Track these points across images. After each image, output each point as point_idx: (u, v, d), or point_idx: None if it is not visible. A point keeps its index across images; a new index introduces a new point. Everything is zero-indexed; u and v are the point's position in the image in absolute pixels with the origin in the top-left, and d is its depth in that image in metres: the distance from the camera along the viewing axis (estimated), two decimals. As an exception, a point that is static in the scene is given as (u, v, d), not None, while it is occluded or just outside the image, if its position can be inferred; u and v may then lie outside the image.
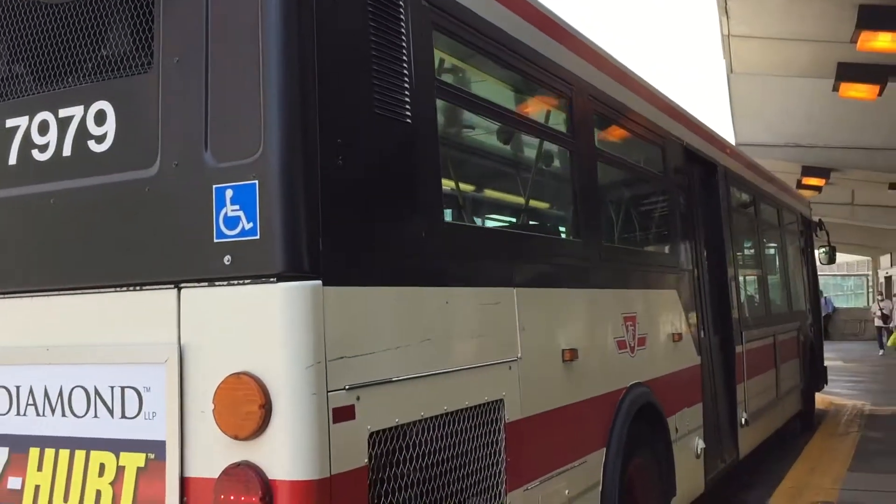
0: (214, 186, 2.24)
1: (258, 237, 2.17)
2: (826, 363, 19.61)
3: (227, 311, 2.23)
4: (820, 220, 11.69)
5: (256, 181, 2.18)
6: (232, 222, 2.21)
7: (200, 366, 2.24)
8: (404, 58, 2.60)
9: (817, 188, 14.36)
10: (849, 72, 7.70)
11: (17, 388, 2.56)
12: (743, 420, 6.16)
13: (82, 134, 2.50)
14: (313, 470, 2.10)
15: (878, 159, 13.16)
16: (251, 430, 2.12)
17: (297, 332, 2.14)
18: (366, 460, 2.27)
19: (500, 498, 2.93)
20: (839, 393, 12.86)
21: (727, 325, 6.12)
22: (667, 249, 5.40)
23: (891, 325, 22.17)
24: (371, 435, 2.30)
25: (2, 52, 2.73)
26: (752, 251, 7.79)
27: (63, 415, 2.46)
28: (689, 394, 5.10)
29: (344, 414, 2.20)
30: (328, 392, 2.16)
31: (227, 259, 2.21)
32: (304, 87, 2.23)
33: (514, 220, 4.57)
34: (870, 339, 24.03)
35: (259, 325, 2.17)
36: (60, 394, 2.47)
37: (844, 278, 41.94)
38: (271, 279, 2.16)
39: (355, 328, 2.30)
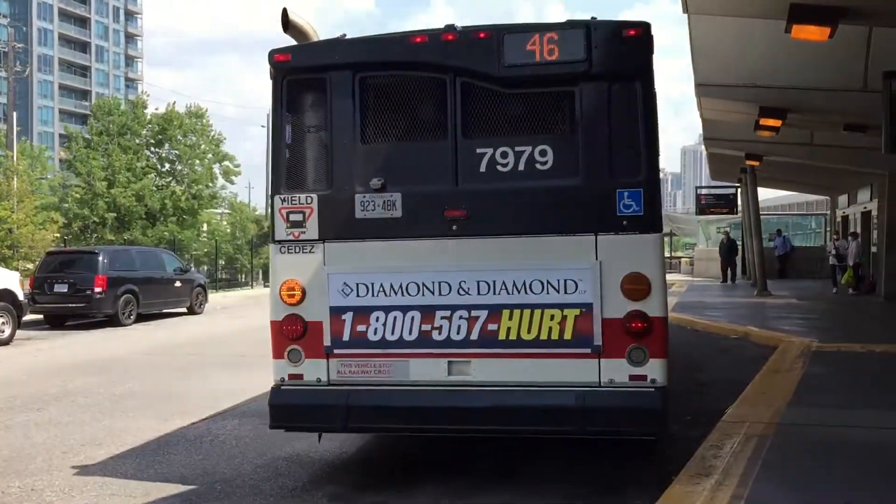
0: (617, 190, 5.25)
1: (642, 214, 5.23)
2: (778, 300, 20.06)
3: (624, 245, 5.27)
4: None
5: (641, 189, 5.23)
6: (626, 207, 5.24)
7: (610, 269, 5.27)
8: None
9: (774, 129, 14.43)
10: (801, 13, 7.70)
11: (493, 281, 5.40)
12: None
13: (531, 160, 5.42)
14: (665, 312, 5.32)
15: (834, 100, 13.24)
16: (642, 296, 5.23)
17: (657, 254, 5.38)
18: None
19: None
20: (790, 330, 13.19)
21: None
22: None
23: (845, 264, 22.63)
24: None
25: (480, 116, 5.50)
26: None
27: (525, 293, 5.36)
28: None
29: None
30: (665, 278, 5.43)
31: (624, 223, 5.25)
32: (655, 145, 5.33)
33: None
34: (826, 278, 24.57)
35: (642, 250, 5.29)
36: (524, 284, 5.37)
37: (804, 218, 42.60)
38: (646, 233, 5.28)
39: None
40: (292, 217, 5.73)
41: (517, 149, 5.40)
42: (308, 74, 5.76)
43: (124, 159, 42.71)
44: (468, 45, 5.48)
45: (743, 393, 7.77)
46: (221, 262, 42.29)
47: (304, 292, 5.67)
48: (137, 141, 45.20)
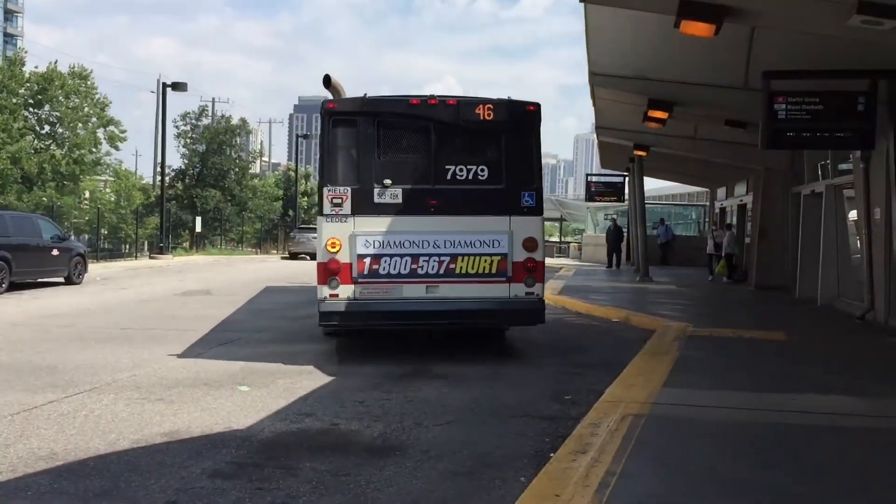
0: (521, 192, 9.53)
1: (534, 205, 9.58)
2: (659, 287, 20.88)
3: (524, 222, 9.55)
4: None
5: (534, 192, 9.58)
6: (526, 201, 9.53)
7: (516, 236, 9.48)
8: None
9: (661, 121, 14.96)
10: (689, 9, 7.98)
11: (454, 240, 9.42)
12: None
13: (476, 173, 9.54)
14: (543, 258, 9.78)
15: (717, 96, 13.83)
16: (532, 249, 9.52)
17: (541, 227, 9.78)
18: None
19: None
20: (668, 315, 13.76)
21: None
22: None
23: (720, 254, 23.77)
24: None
25: (447, 147, 9.64)
26: None
27: (471, 247, 9.43)
28: None
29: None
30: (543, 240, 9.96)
31: (524, 210, 9.51)
32: (540, 168, 9.79)
33: None
34: (704, 266, 25.73)
35: (534, 225, 9.63)
36: (470, 242, 9.42)
37: (686, 208, 44.42)
38: (536, 216, 9.64)
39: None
40: (334, 200, 9.45)
41: (467, 167, 9.61)
42: (346, 116, 9.67)
43: (-1, 119, 40.18)
44: (443, 107, 9.65)
45: (621, 374, 8.06)
46: (104, 231, 40.44)
47: (340, 245, 9.43)
48: (14, 100, 42.59)
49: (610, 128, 21.10)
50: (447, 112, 9.61)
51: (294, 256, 39.53)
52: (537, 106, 9.66)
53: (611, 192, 34.31)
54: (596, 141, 26.78)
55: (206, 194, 49.37)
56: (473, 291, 9.46)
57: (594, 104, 17.44)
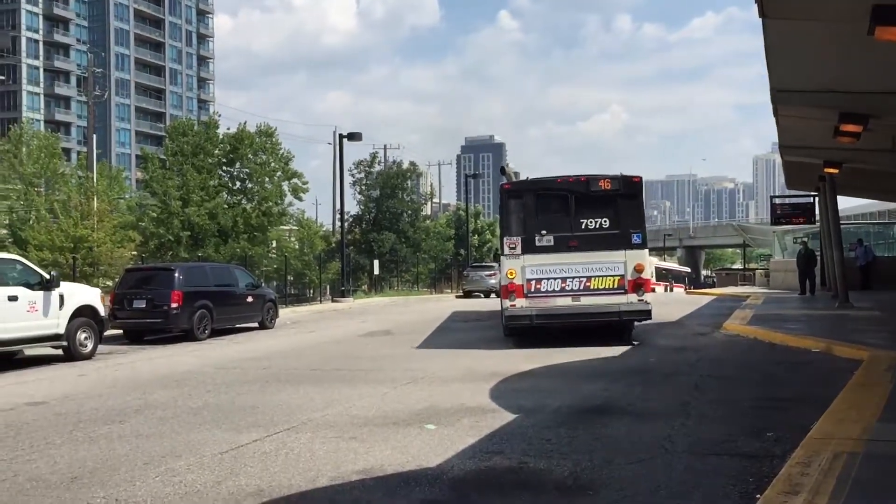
0: (632, 232, 14.70)
1: (641, 242, 14.74)
2: (861, 313, 19.29)
3: (634, 254, 14.70)
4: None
5: (641, 233, 14.79)
6: (635, 239, 14.66)
7: (629, 262, 14.66)
8: None
9: (855, 135, 13.96)
10: (884, 14, 7.42)
11: (589, 265, 14.67)
12: None
13: (601, 223, 14.79)
14: (650, 277, 18.80)
15: (918, 104, 12.74)
16: (641, 271, 14.70)
17: (647, 256, 15.17)
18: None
19: None
20: (876, 343, 12.67)
21: None
22: None
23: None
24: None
25: (581, 207, 14.98)
26: None
27: (600, 271, 14.70)
28: None
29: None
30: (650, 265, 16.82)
31: (634, 245, 14.72)
32: (644, 218, 15.40)
33: None
34: (911, 289, 23.53)
35: (642, 255, 14.86)
36: (600, 267, 14.66)
37: (886, 227, 41.02)
38: (642, 249, 14.89)
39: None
40: (510, 245, 14.81)
41: (595, 219, 14.70)
42: (516, 192, 15.31)
43: (198, 179, 43.89)
44: (577, 182, 14.90)
45: (829, 408, 7.48)
46: (290, 277, 42.97)
47: (515, 273, 14.67)
48: (210, 160, 46.36)
49: (795, 146, 19.93)
50: (580, 185, 14.96)
51: (468, 294, 40.05)
52: (640, 178, 15.08)
53: (798, 213, 32.28)
54: (780, 161, 25.39)
55: (382, 237, 51.37)
56: (603, 300, 14.59)
57: (777, 122, 16.55)
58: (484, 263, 49.19)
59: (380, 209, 53.57)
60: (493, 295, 34.73)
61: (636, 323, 15.46)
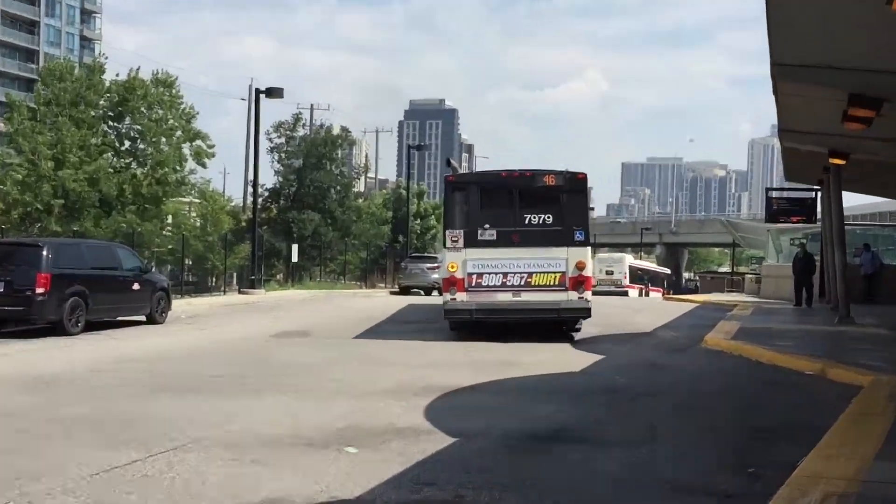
0: (574, 229, 17.66)
1: (584, 239, 17.81)
2: (863, 330, 19.87)
3: (577, 251, 17.63)
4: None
5: (584, 230, 17.82)
6: (578, 236, 17.65)
7: (571, 259, 17.54)
8: None
9: (867, 121, 14.35)
10: (905, -19, 7.64)
11: (531, 261, 17.54)
12: None
13: (544, 218, 17.77)
14: (591, 275, 19.29)
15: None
16: (582, 268, 17.59)
17: (588, 254, 18.51)
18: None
19: None
20: (878, 367, 13.08)
21: None
22: None
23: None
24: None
25: (525, 202, 18.04)
26: None
27: (541, 266, 17.54)
28: None
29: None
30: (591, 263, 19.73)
31: (576, 242, 17.63)
32: (588, 215, 19.12)
33: None
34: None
35: (584, 253, 17.84)
36: (541, 263, 17.54)
37: (897, 230, 42.25)
38: (585, 247, 17.97)
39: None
40: (452, 238, 17.64)
41: (539, 215, 17.64)
42: (460, 184, 18.87)
43: (76, 135, 42.99)
44: (522, 177, 18.26)
45: (820, 442, 7.70)
46: (188, 261, 42.46)
47: (457, 266, 17.45)
48: (93, 113, 45.49)
49: (797, 130, 20.41)
50: (525, 180, 18.09)
51: (405, 291, 40.03)
52: (585, 174, 17.97)
53: (798, 210, 33.02)
54: (778, 147, 25.99)
55: (304, 217, 51.04)
56: (543, 297, 17.35)
57: (777, 101, 16.92)
58: (426, 254, 49.26)
59: (302, 183, 53.28)
60: (435, 292, 34.76)
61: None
